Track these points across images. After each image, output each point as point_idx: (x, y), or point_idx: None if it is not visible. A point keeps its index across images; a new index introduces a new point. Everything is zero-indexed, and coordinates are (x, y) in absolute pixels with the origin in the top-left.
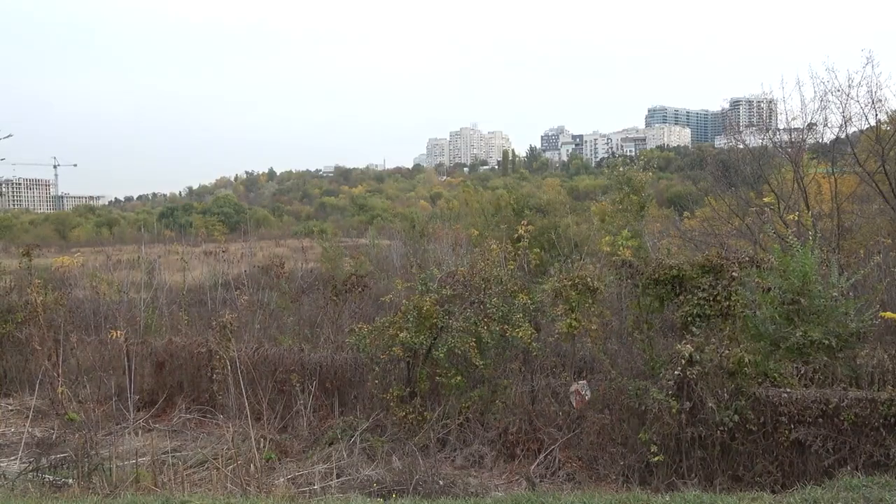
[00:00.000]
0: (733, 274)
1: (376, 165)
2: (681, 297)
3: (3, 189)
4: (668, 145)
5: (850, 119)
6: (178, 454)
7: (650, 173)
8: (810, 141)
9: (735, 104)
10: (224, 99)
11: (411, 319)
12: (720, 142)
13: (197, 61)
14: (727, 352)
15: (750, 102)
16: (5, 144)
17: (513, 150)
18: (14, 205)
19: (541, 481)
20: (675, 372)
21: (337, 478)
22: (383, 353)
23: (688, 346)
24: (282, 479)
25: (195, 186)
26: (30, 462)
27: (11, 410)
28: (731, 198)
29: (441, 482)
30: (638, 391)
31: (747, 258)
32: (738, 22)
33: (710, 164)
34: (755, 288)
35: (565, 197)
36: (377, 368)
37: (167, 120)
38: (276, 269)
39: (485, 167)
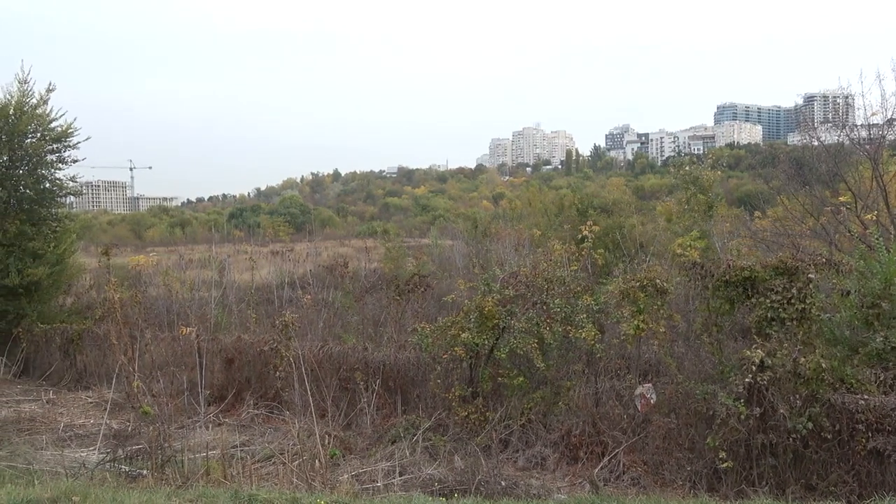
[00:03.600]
0: (809, 276)
1: (439, 166)
2: (752, 300)
3: (83, 190)
4: (738, 143)
5: None
6: (247, 448)
7: (718, 172)
8: (890, 137)
9: (809, 100)
10: (289, 102)
11: (473, 319)
12: (793, 139)
13: (265, 65)
14: (803, 358)
15: (825, 98)
16: (86, 149)
17: (576, 150)
18: (93, 206)
19: (604, 485)
20: (747, 379)
21: (399, 476)
22: (445, 352)
23: (758, 350)
24: (346, 476)
25: (263, 187)
26: (107, 452)
27: (91, 403)
28: (804, 197)
29: (503, 483)
30: (706, 395)
31: (824, 259)
32: (812, 14)
33: (783, 162)
34: (832, 290)
35: (630, 196)
36: (439, 368)
37: (236, 123)
38: (341, 268)
39: (548, 167)
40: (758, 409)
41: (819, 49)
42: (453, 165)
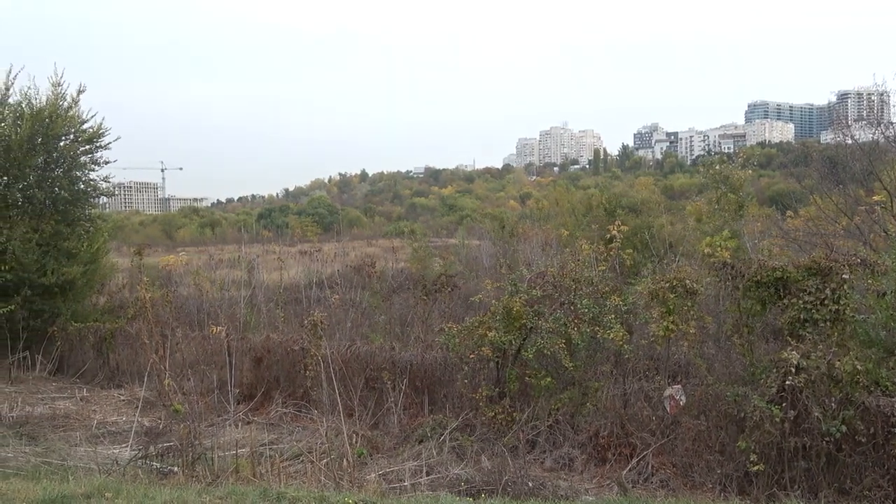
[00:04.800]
0: (843, 276)
1: (466, 166)
2: (784, 301)
3: (115, 191)
4: (769, 141)
5: None
6: (275, 447)
7: (749, 171)
8: None
9: (843, 97)
10: (316, 102)
11: (500, 320)
12: (826, 137)
13: (292, 66)
14: (837, 360)
15: (860, 95)
16: (118, 150)
17: (604, 149)
18: (125, 207)
19: (633, 487)
20: (786, 381)
21: (427, 475)
22: (472, 352)
23: (794, 352)
24: (373, 475)
25: (291, 188)
26: (139, 449)
27: (123, 400)
28: (838, 196)
29: (530, 483)
30: (737, 397)
31: (858, 259)
32: (847, 9)
33: (816, 161)
34: (866, 291)
35: (659, 196)
36: (466, 368)
37: (265, 124)
38: (368, 268)
39: (575, 166)
40: (791, 411)
41: (853, 45)
42: (480, 165)
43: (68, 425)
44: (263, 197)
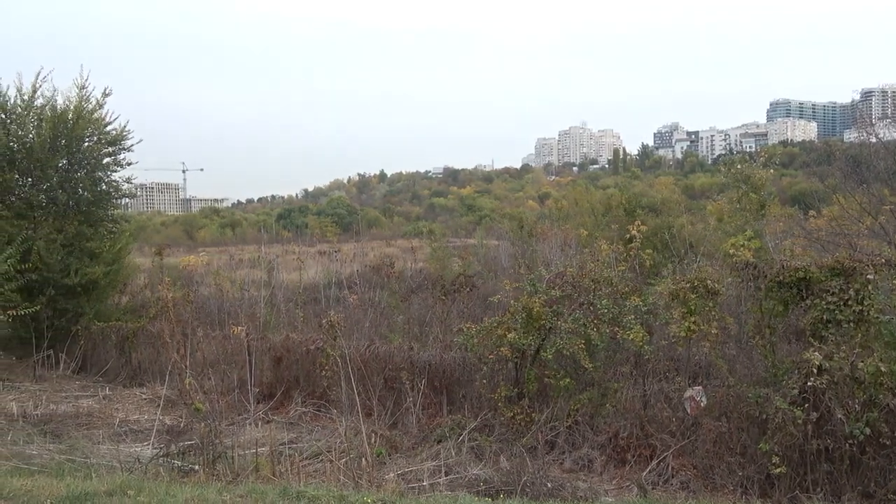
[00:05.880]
0: (868, 277)
1: (484, 166)
2: (807, 302)
3: (137, 192)
4: (791, 140)
5: None
6: (295, 446)
7: (771, 170)
8: None
9: (867, 95)
10: (337, 103)
11: (520, 320)
12: (850, 136)
13: (311, 66)
14: (861, 361)
15: (884, 93)
16: (140, 151)
17: (624, 149)
18: (147, 207)
19: (653, 488)
20: (808, 383)
21: (445, 475)
22: (491, 353)
23: (816, 353)
24: (392, 474)
25: (311, 188)
26: (160, 448)
27: (145, 399)
28: (862, 195)
29: (549, 484)
30: (759, 399)
31: (883, 260)
32: (868, 8)
33: (839, 160)
34: (891, 292)
35: (679, 196)
36: (485, 368)
37: (284, 125)
38: (387, 268)
39: (595, 166)
40: (814, 413)
41: (877, 44)
42: (499, 165)
43: (91, 423)
44: (283, 197)
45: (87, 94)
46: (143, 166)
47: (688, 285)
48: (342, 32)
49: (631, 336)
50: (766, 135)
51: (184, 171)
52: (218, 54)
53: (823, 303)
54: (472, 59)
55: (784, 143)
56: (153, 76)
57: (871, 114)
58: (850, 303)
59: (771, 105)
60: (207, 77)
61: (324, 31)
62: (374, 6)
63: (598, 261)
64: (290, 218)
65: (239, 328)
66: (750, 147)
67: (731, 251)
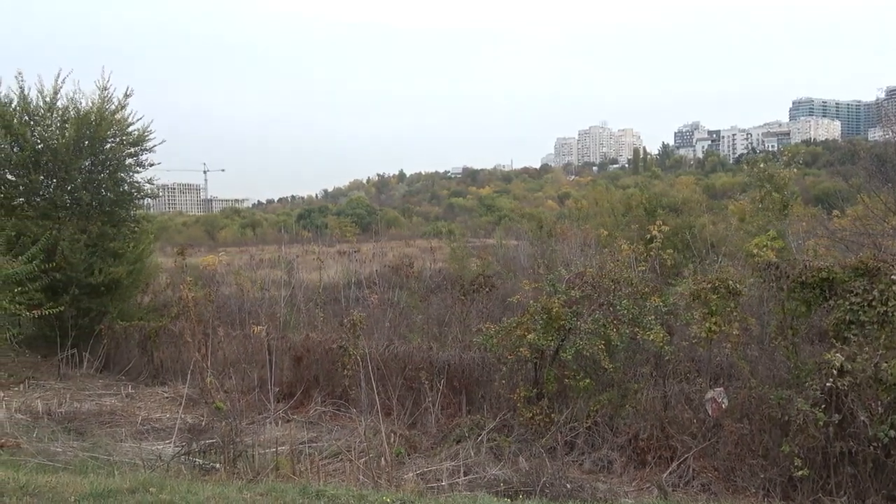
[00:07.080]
0: (892, 277)
1: (503, 166)
2: (830, 302)
3: (159, 193)
4: (814, 139)
5: None
6: (314, 445)
7: (794, 169)
8: None
9: (892, 93)
10: (357, 103)
11: (539, 320)
12: (874, 134)
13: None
14: (885, 363)
15: None
16: (163, 153)
17: (644, 148)
18: (169, 208)
19: (673, 490)
20: (828, 384)
21: (464, 475)
22: (510, 353)
23: (837, 354)
24: (411, 474)
25: (330, 189)
26: (182, 446)
27: (167, 398)
28: (887, 194)
29: (568, 485)
30: (781, 401)
31: None
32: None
33: (864, 159)
34: None
35: (700, 195)
36: (504, 368)
37: (305, 124)
38: (406, 268)
39: (614, 166)
40: (837, 415)
41: None
42: (518, 165)
43: (114, 421)
44: (303, 198)
45: (109, 94)
46: (166, 167)
47: (709, 286)
48: (364, 33)
49: (651, 337)
50: (788, 134)
51: (205, 172)
52: (240, 54)
53: (847, 303)
54: (493, 59)
55: (807, 142)
56: (176, 76)
57: None
58: (874, 303)
59: (794, 104)
60: (229, 77)
61: (346, 31)
62: (396, 6)
63: (618, 261)
64: (310, 218)
65: (259, 328)
66: (772, 146)
67: (754, 251)
